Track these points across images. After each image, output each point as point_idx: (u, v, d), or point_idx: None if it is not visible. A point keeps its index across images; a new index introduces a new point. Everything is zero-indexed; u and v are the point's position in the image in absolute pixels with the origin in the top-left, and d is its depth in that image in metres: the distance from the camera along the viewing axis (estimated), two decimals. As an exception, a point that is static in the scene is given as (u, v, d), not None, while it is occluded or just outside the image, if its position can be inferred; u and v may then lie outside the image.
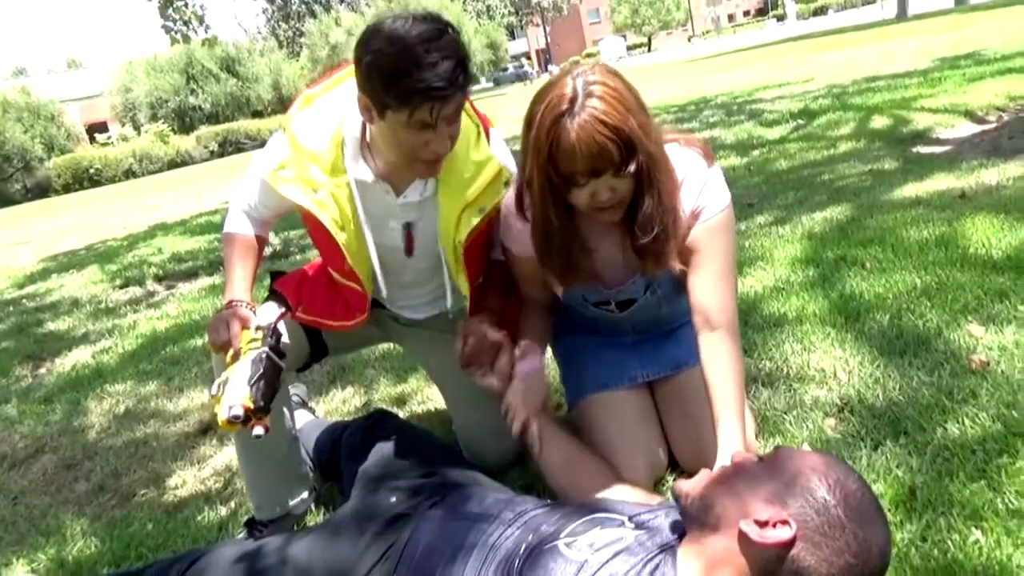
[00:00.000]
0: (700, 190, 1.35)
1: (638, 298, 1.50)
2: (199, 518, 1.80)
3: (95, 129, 35.08)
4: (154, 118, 32.50)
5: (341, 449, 1.70)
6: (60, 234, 9.46)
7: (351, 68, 1.31)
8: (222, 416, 1.29)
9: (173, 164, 27.90)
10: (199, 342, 3.24)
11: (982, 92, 5.28)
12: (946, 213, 2.82)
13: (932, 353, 1.82)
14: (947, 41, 9.71)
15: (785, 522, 0.92)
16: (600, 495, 1.32)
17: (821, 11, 53.16)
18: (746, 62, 15.21)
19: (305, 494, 1.69)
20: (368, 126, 1.37)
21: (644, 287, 1.47)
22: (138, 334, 3.62)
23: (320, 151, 1.40)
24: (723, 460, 1.19)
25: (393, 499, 1.34)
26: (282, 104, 33.38)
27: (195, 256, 5.50)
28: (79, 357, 3.45)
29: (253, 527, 1.64)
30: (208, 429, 2.33)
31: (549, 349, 1.80)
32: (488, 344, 1.53)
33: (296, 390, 2.17)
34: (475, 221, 1.44)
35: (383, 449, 1.52)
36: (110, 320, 4.06)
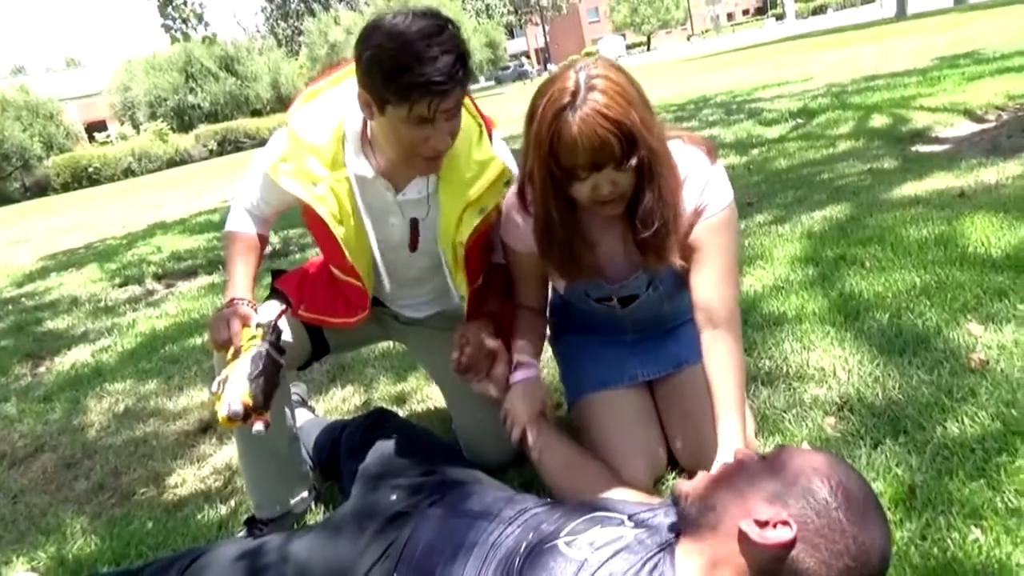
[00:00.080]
0: (703, 187, 1.35)
1: (640, 294, 1.50)
2: (199, 516, 1.79)
3: (94, 128, 35.06)
4: (153, 117, 32.47)
5: (341, 448, 1.70)
6: (59, 233, 9.44)
7: (353, 65, 1.31)
8: (222, 413, 1.30)
9: (172, 163, 27.86)
10: (198, 341, 3.24)
11: (981, 91, 5.29)
12: (945, 212, 2.82)
13: (931, 352, 1.82)
14: (946, 40, 9.72)
15: (786, 523, 0.92)
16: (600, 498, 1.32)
17: (820, 10, 53.19)
18: (745, 61, 15.21)
19: (305, 493, 1.69)
20: (369, 122, 1.37)
21: (646, 283, 1.47)
22: (137, 333, 3.62)
23: (320, 145, 1.40)
24: (723, 458, 1.19)
25: (393, 497, 1.34)
26: (281, 103, 33.35)
27: (194, 255, 5.50)
28: (78, 356, 3.45)
29: (253, 526, 1.64)
30: (208, 428, 2.33)
31: (549, 348, 1.81)
32: (485, 352, 1.53)
33: (296, 389, 2.17)
34: (476, 221, 1.44)
35: (383, 448, 1.52)
36: (109, 319, 4.05)
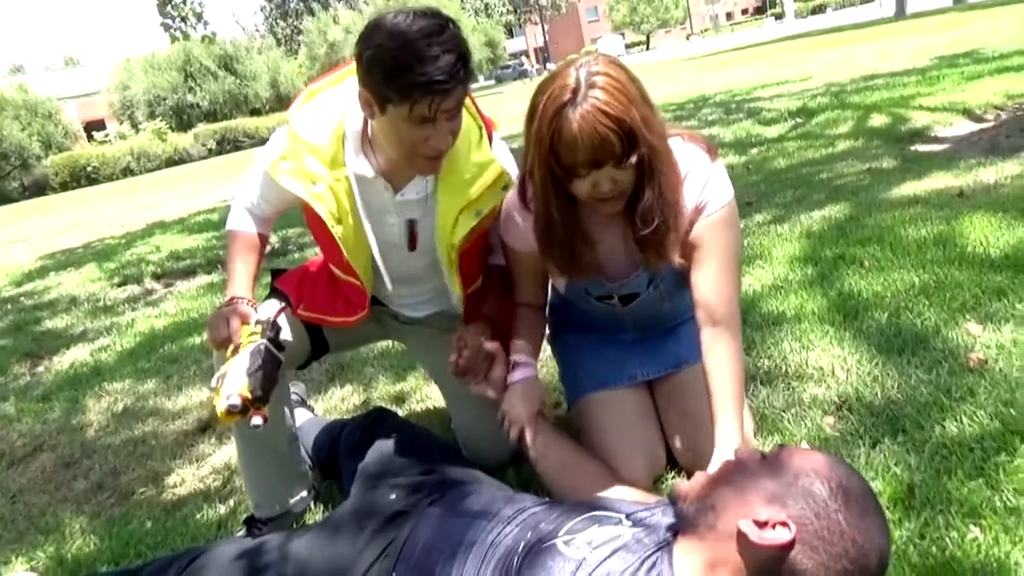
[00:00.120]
0: (703, 185, 1.35)
1: (641, 292, 1.50)
2: (198, 516, 1.79)
3: (93, 127, 35.01)
4: (152, 116, 32.39)
5: (340, 447, 1.70)
6: (58, 232, 9.43)
7: (354, 65, 1.31)
8: (220, 406, 1.29)
9: (171, 162, 27.81)
10: (197, 340, 3.23)
11: (980, 90, 5.29)
12: (944, 211, 2.83)
13: (930, 351, 1.82)
14: (945, 39, 9.72)
15: (784, 524, 0.92)
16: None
17: (819, 9, 53.16)
18: (744, 60, 15.21)
19: (304, 492, 1.69)
20: (369, 122, 1.37)
21: (647, 281, 1.48)
22: (136, 332, 3.61)
23: (320, 144, 1.40)
24: (721, 457, 1.19)
25: (392, 496, 1.34)
26: (280, 102, 33.29)
27: (193, 254, 5.49)
28: (77, 355, 3.45)
29: (252, 525, 1.64)
30: (207, 427, 2.33)
31: (548, 347, 1.81)
32: (483, 354, 1.53)
33: (295, 388, 2.17)
34: (472, 223, 1.44)
35: (382, 447, 1.52)
36: (108, 318, 4.05)
